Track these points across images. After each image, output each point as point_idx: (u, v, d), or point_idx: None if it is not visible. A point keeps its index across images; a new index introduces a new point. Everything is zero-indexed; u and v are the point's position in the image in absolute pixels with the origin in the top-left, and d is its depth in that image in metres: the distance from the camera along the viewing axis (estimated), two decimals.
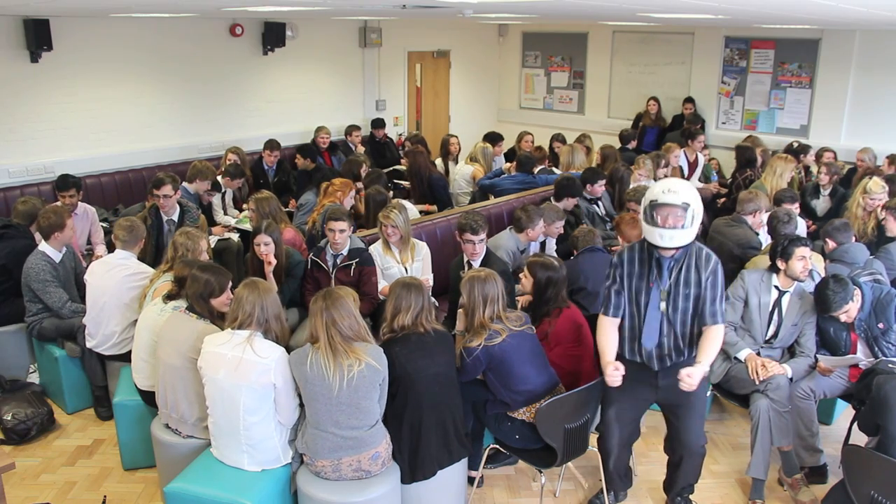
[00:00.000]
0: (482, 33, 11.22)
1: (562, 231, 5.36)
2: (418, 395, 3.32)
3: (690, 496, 3.82)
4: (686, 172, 7.76)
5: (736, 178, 7.18)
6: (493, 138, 8.00)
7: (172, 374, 3.50)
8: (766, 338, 4.15)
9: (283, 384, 3.21)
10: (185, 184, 6.09)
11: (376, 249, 4.81)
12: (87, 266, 4.73)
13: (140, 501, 3.95)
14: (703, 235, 5.39)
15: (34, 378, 4.97)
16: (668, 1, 4.58)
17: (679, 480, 3.72)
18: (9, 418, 4.40)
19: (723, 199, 7.39)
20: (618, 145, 8.38)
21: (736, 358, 4.10)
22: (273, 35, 8.38)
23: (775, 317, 4.11)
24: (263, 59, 8.54)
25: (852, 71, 8.33)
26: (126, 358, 4.15)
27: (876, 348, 3.91)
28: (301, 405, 3.32)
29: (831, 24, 7.34)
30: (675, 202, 3.08)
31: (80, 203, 5.74)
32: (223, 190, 6.62)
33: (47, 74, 6.80)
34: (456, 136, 8.08)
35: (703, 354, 3.28)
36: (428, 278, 4.80)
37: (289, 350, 3.33)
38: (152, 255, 5.16)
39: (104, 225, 6.11)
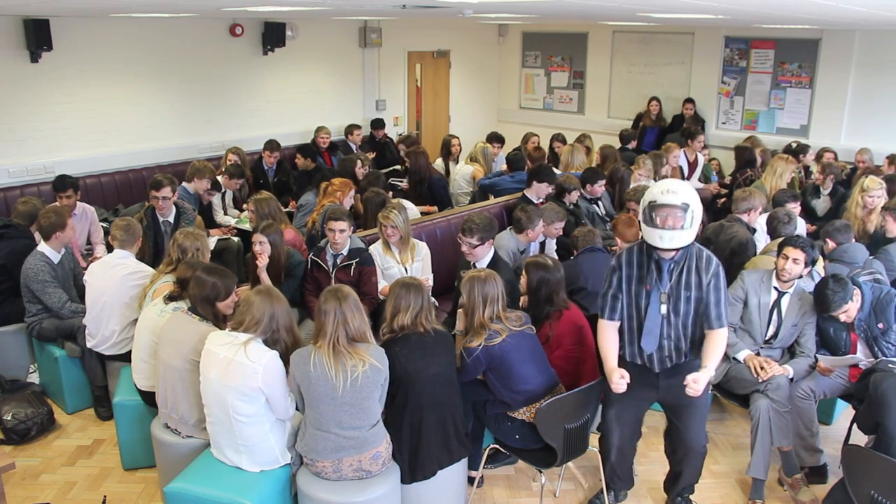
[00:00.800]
0: (482, 33, 11.23)
1: (561, 232, 5.37)
2: (418, 395, 3.33)
3: (690, 496, 3.82)
4: (686, 172, 7.76)
5: (736, 179, 7.19)
6: (495, 138, 8.00)
7: (173, 375, 3.50)
8: (766, 338, 4.15)
9: (272, 389, 3.17)
10: (184, 183, 6.09)
11: (376, 249, 4.81)
12: (87, 266, 4.73)
13: (140, 501, 3.95)
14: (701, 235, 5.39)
15: (34, 378, 4.97)
16: (668, 1, 4.58)
17: (680, 480, 3.72)
18: (9, 418, 4.40)
19: (723, 200, 7.39)
20: (618, 145, 8.38)
21: (734, 358, 4.10)
22: (273, 35, 8.38)
23: (774, 317, 4.12)
24: (263, 59, 8.54)
25: (852, 71, 8.33)
26: (126, 358, 4.15)
27: (876, 348, 3.91)
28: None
29: (831, 24, 7.34)
30: (675, 203, 3.06)
31: (78, 203, 5.73)
32: (223, 190, 6.62)
33: (47, 74, 6.80)
34: (457, 137, 8.08)
35: (708, 359, 3.26)
36: (428, 278, 4.80)
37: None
38: (150, 256, 5.16)
39: (104, 225, 6.11)
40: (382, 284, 4.66)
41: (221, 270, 3.64)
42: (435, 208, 6.74)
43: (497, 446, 3.76)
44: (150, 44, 7.50)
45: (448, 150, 7.92)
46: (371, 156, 8.27)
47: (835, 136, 8.43)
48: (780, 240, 4.35)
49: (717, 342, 3.28)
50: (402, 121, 10.42)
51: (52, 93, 6.89)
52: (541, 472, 3.67)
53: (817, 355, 4.05)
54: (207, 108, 8.13)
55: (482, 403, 3.70)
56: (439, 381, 3.38)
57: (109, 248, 4.83)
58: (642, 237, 3.24)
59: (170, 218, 5.41)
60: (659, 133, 9.34)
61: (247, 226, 5.95)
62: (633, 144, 8.87)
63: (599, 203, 6.24)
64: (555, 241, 5.51)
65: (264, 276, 4.48)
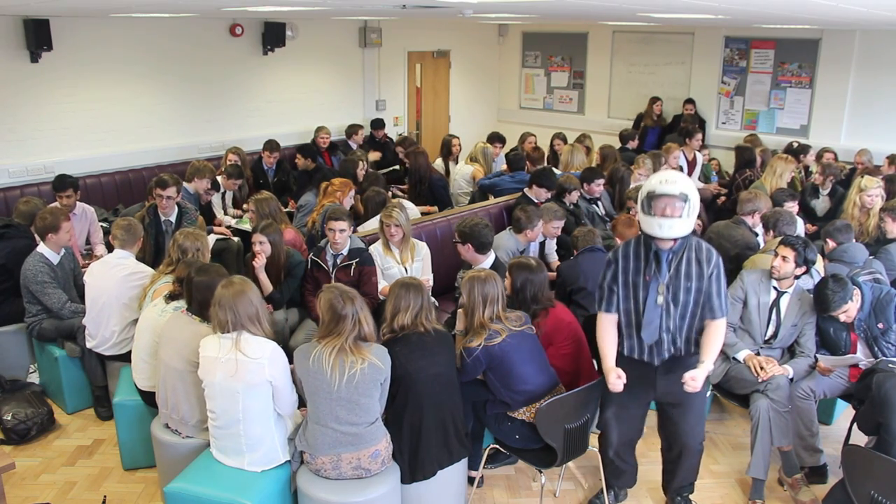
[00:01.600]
0: (482, 33, 11.22)
1: (560, 231, 5.37)
2: (418, 395, 3.33)
3: (690, 496, 3.82)
4: (685, 172, 7.76)
5: (735, 179, 7.19)
6: (496, 138, 8.00)
7: (173, 375, 3.50)
8: (766, 338, 4.15)
9: (279, 378, 3.21)
10: (184, 183, 6.08)
11: (376, 249, 4.81)
12: (87, 266, 4.73)
13: (140, 501, 3.95)
14: (701, 235, 5.39)
15: (34, 378, 4.97)
16: (668, 1, 4.58)
17: (676, 478, 3.72)
18: (9, 418, 4.40)
19: (722, 199, 7.40)
20: (618, 145, 8.38)
21: (734, 358, 4.10)
22: (273, 35, 8.38)
23: (774, 317, 4.12)
24: (263, 59, 8.54)
25: (852, 71, 8.33)
26: (126, 358, 4.15)
27: (876, 348, 3.91)
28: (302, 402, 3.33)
29: (831, 24, 7.34)
30: (673, 192, 3.07)
31: (78, 203, 5.73)
32: (222, 190, 6.62)
33: (47, 74, 6.79)
34: (458, 137, 8.08)
35: (706, 353, 3.28)
36: (428, 278, 4.80)
37: (287, 350, 3.33)
38: (151, 255, 5.16)
39: (104, 225, 6.11)
40: (382, 284, 4.66)
41: (221, 272, 3.63)
42: (435, 208, 6.74)
43: (497, 446, 3.76)
44: (151, 44, 7.50)
45: (449, 150, 7.92)
46: (377, 155, 8.27)
47: (835, 137, 8.43)
48: (779, 238, 4.35)
49: (716, 333, 3.30)
50: (402, 121, 10.42)
51: (52, 93, 6.89)
52: (541, 472, 3.67)
53: (817, 355, 4.06)
54: (207, 108, 8.13)
55: (482, 403, 3.70)
56: (439, 381, 3.38)
57: (110, 248, 4.83)
58: (641, 229, 3.25)
59: (171, 217, 5.41)
60: (660, 133, 9.34)
61: (247, 226, 5.94)
62: (632, 144, 8.86)
63: (599, 203, 6.24)
64: (555, 240, 5.51)
65: (263, 276, 4.48)
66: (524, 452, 3.65)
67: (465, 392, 3.61)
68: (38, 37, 6.53)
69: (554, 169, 7.32)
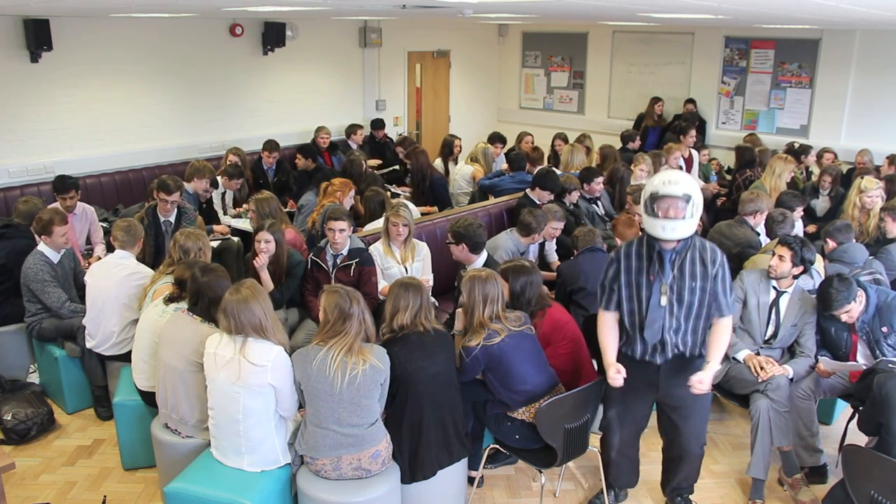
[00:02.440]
0: (482, 33, 11.22)
1: (559, 232, 5.36)
2: (418, 395, 3.33)
3: (690, 496, 3.82)
4: (684, 171, 7.74)
5: (735, 179, 7.18)
6: (496, 139, 8.00)
7: (174, 375, 3.50)
8: (766, 338, 4.15)
9: (282, 384, 3.21)
10: (183, 183, 6.08)
11: (376, 249, 4.81)
12: (89, 266, 4.73)
13: (140, 501, 3.95)
14: (703, 235, 5.39)
15: (34, 378, 4.97)
16: (668, 1, 4.58)
17: (676, 479, 3.72)
18: (9, 418, 4.40)
19: (722, 199, 7.39)
20: (618, 145, 8.38)
21: (734, 358, 4.10)
22: (273, 35, 8.38)
23: (773, 316, 4.11)
24: (263, 59, 8.54)
25: (852, 71, 8.34)
26: (126, 358, 4.15)
27: (877, 350, 3.91)
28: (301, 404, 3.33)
29: (831, 24, 7.34)
30: (676, 193, 3.06)
31: (78, 203, 5.73)
32: (222, 189, 6.62)
33: (47, 74, 6.79)
34: (459, 138, 8.08)
35: (713, 353, 3.29)
36: (428, 279, 4.80)
37: (288, 351, 3.33)
38: (151, 256, 5.16)
39: (104, 225, 6.10)
40: (382, 284, 4.66)
41: (222, 271, 3.63)
42: (435, 208, 6.74)
43: (497, 446, 3.76)
44: (150, 44, 7.50)
45: (450, 150, 7.91)
46: (376, 163, 8.25)
47: (835, 137, 8.43)
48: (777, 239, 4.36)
49: (722, 332, 3.32)
50: (402, 121, 10.42)
51: (52, 93, 6.88)
52: (541, 472, 3.67)
53: (818, 356, 4.05)
54: (207, 108, 8.13)
55: (482, 403, 3.70)
56: (439, 381, 3.38)
57: (110, 248, 4.83)
58: (644, 230, 3.24)
59: (171, 218, 5.41)
60: (661, 133, 9.33)
61: (247, 225, 5.94)
62: (633, 145, 8.86)
63: (599, 203, 6.24)
64: (554, 241, 5.51)
65: (265, 275, 4.47)
66: (524, 452, 3.64)
67: (465, 392, 3.60)
68: (38, 37, 6.53)
69: (554, 169, 7.34)
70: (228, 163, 6.97)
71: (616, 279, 3.35)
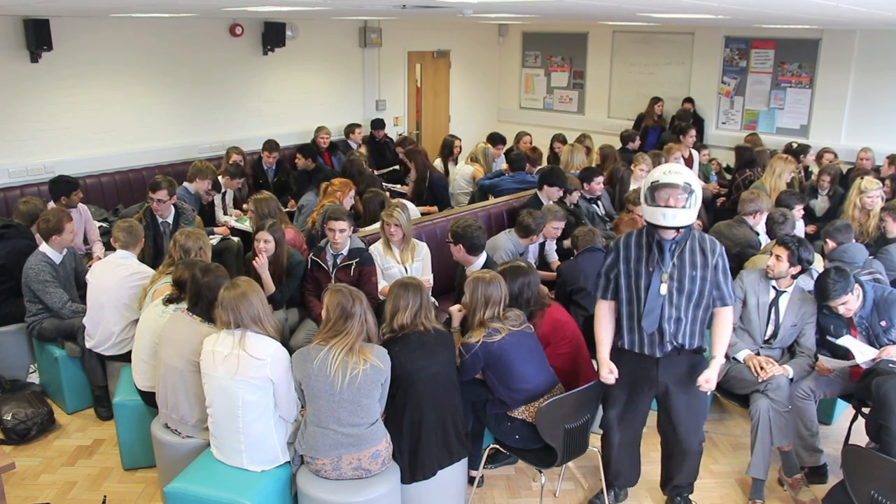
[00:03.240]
0: (482, 33, 11.23)
1: (559, 233, 5.36)
2: (418, 395, 3.33)
3: (690, 496, 3.82)
4: None
5: (735, 179, 7.18)
6: (496, 139, 8.00)
7: (174, 375, 3.50)
8: (765, 338, 4.15)
9: (280, 379, 3.21)
10: (185, 183, 6.09)
11: (376, 249, 4.81)
12: (91, 265, 4.73)
13: (140, 501, 3.95)
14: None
15: (34, 378, 4.97)
16: (668, 1, 4.58)
17: (676, 478, 3.72)
18: (9, 418, 4.40)
19: (722, 199, 7.39)
20: (618, 145, 8.38)
21: (734, 358, 4.10)
22: (273, 35, 8.38)
23: (773, 316, 4.12)
24: (263, 59, 8.54)
25: (852, 71, 8.34)
26: (126, 358, 4.15)
27: (877, 345, 3.91)
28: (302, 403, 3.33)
29: (831, 24, 7.35)
30: (677, 182, 3.11)
31: None
32: (223, 190, 6.62)
33: (47, 74, 6.79)
34: (459, 138, 8.08)
35: (716, 346, 3.34)
36: (428, 279, 4.80)
37: (289, 350, 3.33)
38: (151, 256, 5.16)
39: (104, 225, 6.10)
40: (382, 284, 4.66)
41: (222, 271, 3.63)
42: (435, 208, 6.74)
43: (497, 446, 3.76)
44: (151, 44, 7.50)
45: (450, 151, 7.91)
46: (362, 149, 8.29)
47: (835, 137, 8.43)
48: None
49: (724, 322, 3.36)
50: (402, 121, 10.42)
51: (52, 93, 6.89)
52: (541, 472, 3.67)
53: (818, 354, 4.05)
54: (207, 108, 8.13)
55: (482, 403, 3.70)
56: (439, 381, 3.38)
57: (108, 246, 4.83)
58: (644, 220, 3.28)
59: (168, 219, 5.41)
60: (661, 133, 9.33)
61: (247, 225, 5.94)
62: (633, 145, 8.86)
63: (599, 203, 6.24)
64: (554, 241, 5.50)
65: (266, 276, 4.47)
66: (524, 452, 3.65)
67: (465, 392, 3.61)
68: (38, 37, 6.53)
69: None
70: (231, 162, 6.97)
71: (614, 267, 3.38)
